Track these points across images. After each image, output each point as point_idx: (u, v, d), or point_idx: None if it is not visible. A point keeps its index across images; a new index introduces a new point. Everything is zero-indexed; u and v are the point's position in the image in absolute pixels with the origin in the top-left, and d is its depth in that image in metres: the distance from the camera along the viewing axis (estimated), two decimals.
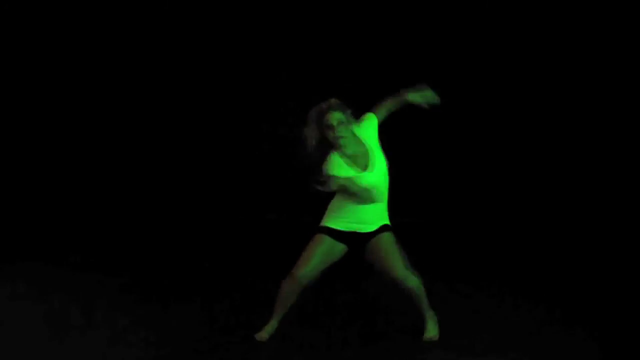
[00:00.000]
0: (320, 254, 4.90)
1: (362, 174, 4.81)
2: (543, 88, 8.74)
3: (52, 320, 5.38)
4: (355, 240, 4.91)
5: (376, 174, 4.83)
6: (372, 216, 4.87)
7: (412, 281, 4.91)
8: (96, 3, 9.03)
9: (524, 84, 8.76)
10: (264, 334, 5.01)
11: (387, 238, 4.90)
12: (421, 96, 4.97)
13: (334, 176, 4.72)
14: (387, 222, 4.94)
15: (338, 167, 4.79)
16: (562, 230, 8.40)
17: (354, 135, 4.86)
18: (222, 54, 9.14)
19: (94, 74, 9.19)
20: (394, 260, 4.88)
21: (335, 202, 4.93)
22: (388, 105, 5.00)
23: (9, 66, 9.16)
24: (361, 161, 4.84)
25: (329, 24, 8.97)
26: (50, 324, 5.30)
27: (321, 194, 4.75)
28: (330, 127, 4.76)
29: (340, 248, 4.93)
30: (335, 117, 4.76)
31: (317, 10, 8.98)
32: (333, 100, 4.82)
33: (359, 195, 4.80)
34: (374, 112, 4.97)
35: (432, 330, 5.03)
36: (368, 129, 4.92)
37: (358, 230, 4.88)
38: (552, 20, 8.54)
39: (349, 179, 4.73)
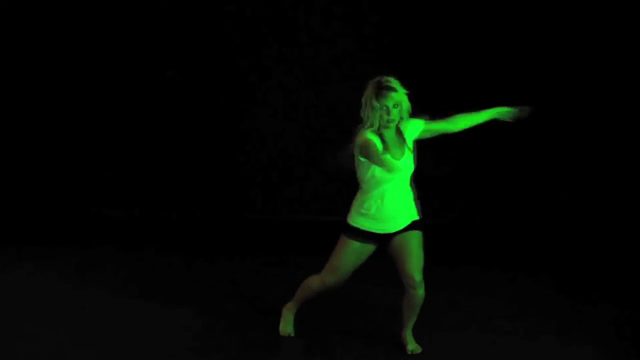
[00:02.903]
0: (350, 260, 4.81)
1: (391, 159, 4.66)
2: (550, 85, 8.69)
3: (49, 320, 5.38)
4: (384, 239, 4.79)
5: (403, 164, 4.69)
6: (397, 211, 4.71)
7: (421, 290, 4.74)
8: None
9: (529, 82, 8.71)
10: (288, 329, 5.03)
11: (414, 237, 4.74)
12: (508, 112, 4.82)
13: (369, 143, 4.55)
14: (416, 217, 4.78)
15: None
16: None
17: (397, 125, 4.73)
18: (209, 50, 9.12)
19: (82, 70, 9.16)
20: (415, 261, 4.73)
21: (360, 197, 4.79)
22: (457, 121, 4.85)
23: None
24: (393, 150, 4.70)
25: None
26: (46, 324, 5.30)
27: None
28: (385, 108, 4.62)
29: (369, 248, 4.82)
30: (395, 97, 4.63)
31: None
32: (395, 81, 4.68)
33: (382, 182, 4.67)
34: (425, 120, 4.78)
35: (413, 343, 4.88)
36: (411, 128, 4.75)
37: (385, 232, 4.75)
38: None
39: (378, 153, 4.56)
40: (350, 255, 4.81)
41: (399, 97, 4.63)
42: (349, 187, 5.02)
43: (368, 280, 6.05)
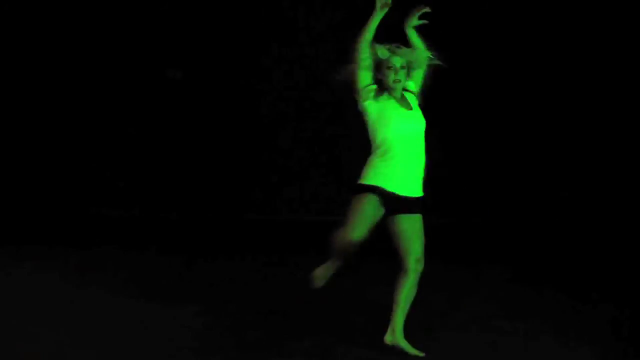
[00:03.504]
0: (369, 215, 4.76)
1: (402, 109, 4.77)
2: (547, 83, 8.69)
3: (49, 320, 5.38)
4: (392, 204, 4.76)
5: (412, 118, 4.76)
6: (407, 178, 4.75)
7: (420, 267, 4.74)
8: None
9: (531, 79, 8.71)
10: (320, 280, 4.88)
11: (418, 221, 4.78)
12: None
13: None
14: (422, 194, 4.83)
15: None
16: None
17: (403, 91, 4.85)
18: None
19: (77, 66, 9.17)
20: (415, 243, 4.74)
21: (374, 160, 4.80)
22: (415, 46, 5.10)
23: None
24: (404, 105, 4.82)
25: None
26: (46, 324, 5.30)
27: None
28: (393, 69, 4.78)
29: (381, 211, 4.78)
30: (399, 60, 4.83)
31: None
32: (399, 46, 4.91)
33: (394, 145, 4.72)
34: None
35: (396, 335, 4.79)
36: (413, 86, 4.91)
37: (397, 193, 4.74)
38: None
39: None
40: (369, 211, 4.76)
41: (403, 60, 4.83)
42: (349, 187, 5.01)
43: (368, 280, 6.06)
